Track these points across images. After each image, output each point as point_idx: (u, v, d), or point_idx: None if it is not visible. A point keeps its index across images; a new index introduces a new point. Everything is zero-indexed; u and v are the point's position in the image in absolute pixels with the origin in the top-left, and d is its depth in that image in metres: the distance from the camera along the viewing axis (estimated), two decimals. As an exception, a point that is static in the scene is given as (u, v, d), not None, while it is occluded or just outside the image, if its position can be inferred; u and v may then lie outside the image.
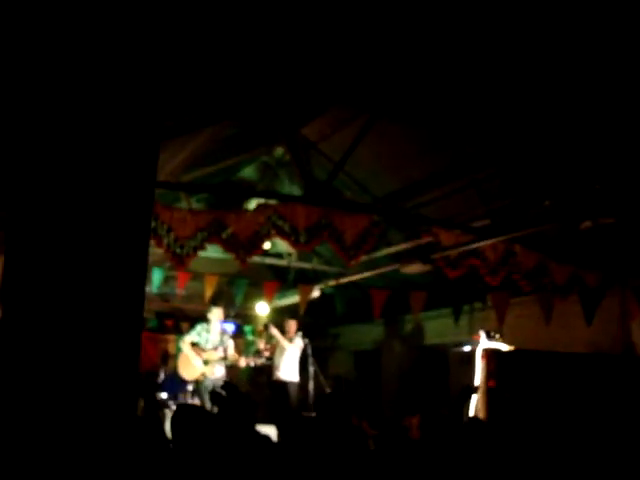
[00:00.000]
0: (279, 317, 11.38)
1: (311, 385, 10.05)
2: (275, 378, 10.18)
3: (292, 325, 10.33)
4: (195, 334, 9.46)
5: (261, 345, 10.46)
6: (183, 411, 3.85)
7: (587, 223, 7.04)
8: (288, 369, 10.11)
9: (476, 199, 7.82)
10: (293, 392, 10.01)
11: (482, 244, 7.78)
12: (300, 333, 10.19)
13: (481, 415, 7.94)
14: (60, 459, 2.62)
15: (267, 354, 10.30)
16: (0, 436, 2.61)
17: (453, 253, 7.93)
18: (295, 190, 9.21)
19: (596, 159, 6.66)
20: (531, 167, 7.22)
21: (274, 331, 10.17)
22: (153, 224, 6.48)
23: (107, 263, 2.92)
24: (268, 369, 11.08)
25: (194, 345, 9.36)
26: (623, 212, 6.87)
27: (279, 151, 8.99)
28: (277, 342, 10.22)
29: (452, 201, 8.15)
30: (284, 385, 10.03)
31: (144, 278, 3.16)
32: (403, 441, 4.25)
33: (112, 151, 2.98)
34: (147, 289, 10.00)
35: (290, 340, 10.15)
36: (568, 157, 6.80)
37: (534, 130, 6.59)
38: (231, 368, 10.00)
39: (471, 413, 8.05)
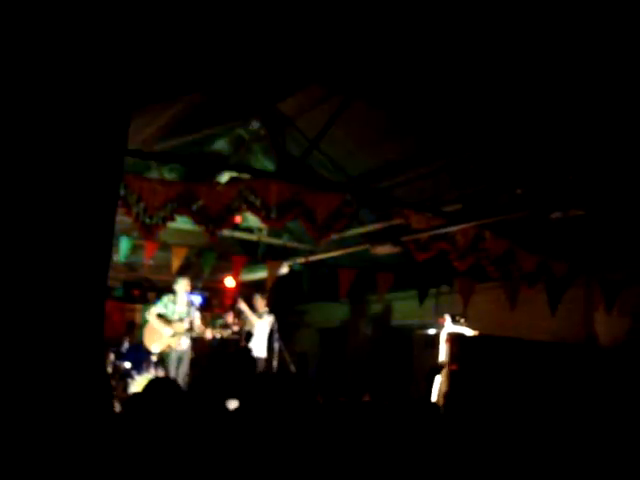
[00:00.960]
0: (247, 292, 11.36)
1: (275, 362, 10.07)
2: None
3: (261, 301, 10.32)
4: (162, 305, 9.40)
5: (229, 319, 10.43)
6: (155, 385, 3.83)
7: (557, 214, 7.10)
8: (256, 345, 10.12)
9: (449, 183, 7.84)
10: (260, 368, 10.02)
11: (452, 229, 7.82)
12: (266, 309, 10.19)
13: (442, 397, 8.03)
14: (25, 429, 2.59)
15: (236, 328, 10.27)
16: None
17: (423, 236, 7.96)
18: (269, 165, 9.15)
19: (570, 151, 6.70)
20: (505, 154, 7.24)
21: (243, 306, 10.16)
22: (123, 193, 6.40)
23: (72, 229, 2.87)
24: (235, 342, 11.05)
25: (160, 316, 9.30)
26: (593, 205, 6.93)
27: (254, 125, 8.91)
28: (246, 318, 10.22)
29: (425, 184, 8.15)
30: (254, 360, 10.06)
31: (110, 245, 3.12)
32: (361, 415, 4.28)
33: (81, 116, 2.91)
34: (114, 258, 9.90)
35: (259, 316, 10.16)
36: (543, 147, 6.83)
37: (511, 118, 6.60)
38: (197, 340, 9.96)
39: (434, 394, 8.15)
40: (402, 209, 7.76)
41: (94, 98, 2.98)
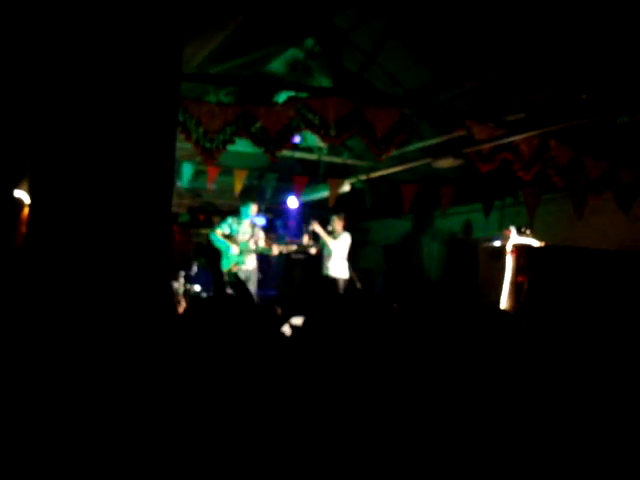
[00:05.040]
0: (310, 212, 11.40)
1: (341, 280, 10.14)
2: (324, 274, 10.07)
3: (338, 222, 10.07)
4: (226, 226, 9.51)
5: (305, 240, 10.23)
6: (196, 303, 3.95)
7: (624, 118, 6.86)
8: (335, 266, 9.98)
9: (511, 91, 7.63)
10: (341, 288, 9.89)
11: (516, 138, 7.65)
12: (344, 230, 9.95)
13: (508, 308, 8.03)
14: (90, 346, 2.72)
15: (313, 251, 10.12)
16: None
17: (486, 147, 7.81)
18: (325, 83, 9.05)
19: (637, 52, 6.42)
20: (569, 59, 6.99)
21: (318, 229, 9.95)
22: (182, 118, 6.45)
23: (134, 157, 2.92)
24: (303, 262, 11.09)
25: (226, 236, 9.43)
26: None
27: (309, 42, 8.78)
28: (320, 239, 10.01)
29: (486, 94, 7.95)
30: (334, 281, 9.92)
31: (172, 170, 3.17)
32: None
33: (134, 42, 2.92)
34: (178, 184, 10.05)
35: (335, 237, 9.96)
36: (608, 49, 6.56)
37: (575, 21, 6.34)
38: (265, 260, 10.05)
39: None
40: (463, 120, 7.60)
41: (147, 25, 2.98)
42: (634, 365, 5.00)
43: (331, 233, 9.99)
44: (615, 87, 6.84)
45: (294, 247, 10.04)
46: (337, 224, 10.05)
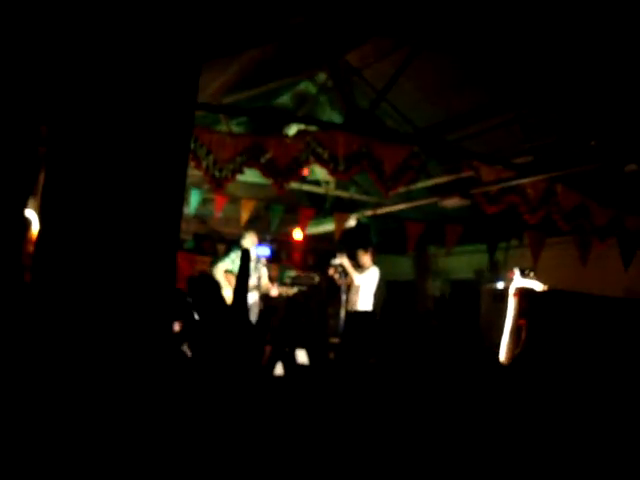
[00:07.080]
0: (315, 244, 11.38)
1: (342, 313, 10.07)
2: (350, 310, 9.60)
3: (365, 256, 9.68)
4: (229, 261, 9.43)
5: (331, 272, 9.82)
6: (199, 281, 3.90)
7: (632, 166, 6.89)
8: (361, 302, 9.60)
9: (520, 135, 7.68)
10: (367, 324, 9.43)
11: (523, 181, 7.67)
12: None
13: (510, 353, 7.98)
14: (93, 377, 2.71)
15: (341, 282, 9.81)
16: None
17: (493, 189, 7.83)
18: (336, 118, 9.11)
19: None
20: (579, 105, 7.04)
21: (345, 262, 9.58)
22: (192, 146, 6.48)
23: (145, 181, 2.94)
24: (308, 295, 10.94)
25: (227, 272, 9.36)
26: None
27: (321, 77, 8.86)
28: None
29: (495, 136, 8.00)
30: (360, 315, 9.42)
31: (182, 197, 3.18)
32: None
33: (153, 70, 2.96)
34: (185, 210, 10.06)
35: (361, 271, 9.61)
36: (618, 98, 6.62)
37: (585, 68, 6.40)
38: (264, 296, 9.95)
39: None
40: (471, 161, 7.64)
41: (168, 52, 3.02)
42: (635, 414, 4.94)
43: (358, 267, 9.70)
44: (623, 135, 6.88)
45: (295, 290, 9.88)
46: (364, 258, 9.73)
